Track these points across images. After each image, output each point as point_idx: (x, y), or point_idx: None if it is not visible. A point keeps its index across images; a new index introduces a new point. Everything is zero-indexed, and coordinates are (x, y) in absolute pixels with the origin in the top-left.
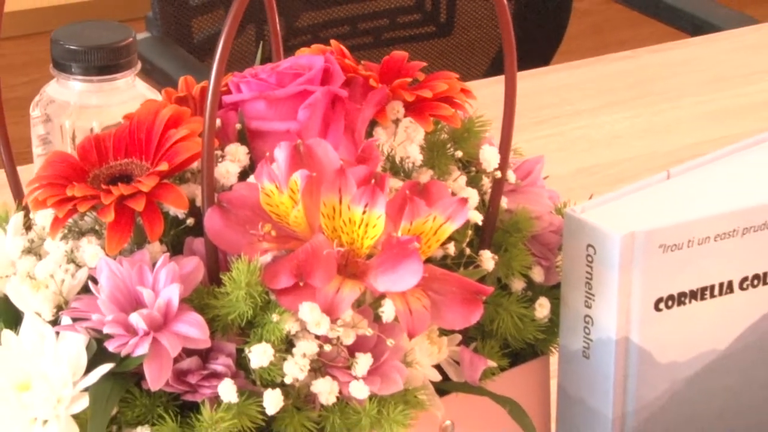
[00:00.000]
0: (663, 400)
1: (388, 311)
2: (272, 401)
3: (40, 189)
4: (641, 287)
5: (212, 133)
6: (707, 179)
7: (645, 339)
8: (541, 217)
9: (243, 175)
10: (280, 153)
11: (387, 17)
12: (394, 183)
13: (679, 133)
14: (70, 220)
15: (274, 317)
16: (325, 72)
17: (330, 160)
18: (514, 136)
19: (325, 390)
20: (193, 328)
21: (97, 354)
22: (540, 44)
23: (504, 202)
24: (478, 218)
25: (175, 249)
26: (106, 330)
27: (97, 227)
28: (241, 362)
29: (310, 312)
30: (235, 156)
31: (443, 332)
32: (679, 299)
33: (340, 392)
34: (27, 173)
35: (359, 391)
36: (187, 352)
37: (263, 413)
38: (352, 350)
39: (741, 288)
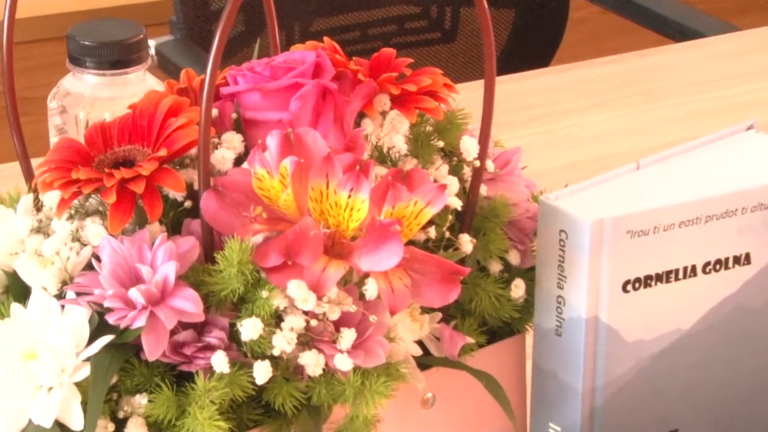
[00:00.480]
0: (630, 376)
1: (371, 289)
2: (261, 372)
3: (48, 172)
4: (610, 270)
5: (208, 122)
6: (674, 171)
7: (613, 319)
8: (518, 204)
9: (238, 161)
10: (272, 141)
11: (395, 23)
12: (381, 170)
13: (660, 131)
14: (77, 201)
15: (264, 293)
16: (317, 66)
17: (318, 148)
18: (506, 133)
19: (312, 362)
20: (189, 303)
21: (99, 326)
22: (538, 51)
23: (483, 190)
24: (457, 204)
25: (175, 230)
26: (106, 304)
27: (101, 208)
28: (233, 335)
29: (297, 289)
30: (231, 143)
31: (425, 310)
32: (646, 282)
33: (326, 364)
34: None
35: (343, 363)
36: (183, 326)
37: (253, 383)
38: (338, 325)
39: (704, 272)
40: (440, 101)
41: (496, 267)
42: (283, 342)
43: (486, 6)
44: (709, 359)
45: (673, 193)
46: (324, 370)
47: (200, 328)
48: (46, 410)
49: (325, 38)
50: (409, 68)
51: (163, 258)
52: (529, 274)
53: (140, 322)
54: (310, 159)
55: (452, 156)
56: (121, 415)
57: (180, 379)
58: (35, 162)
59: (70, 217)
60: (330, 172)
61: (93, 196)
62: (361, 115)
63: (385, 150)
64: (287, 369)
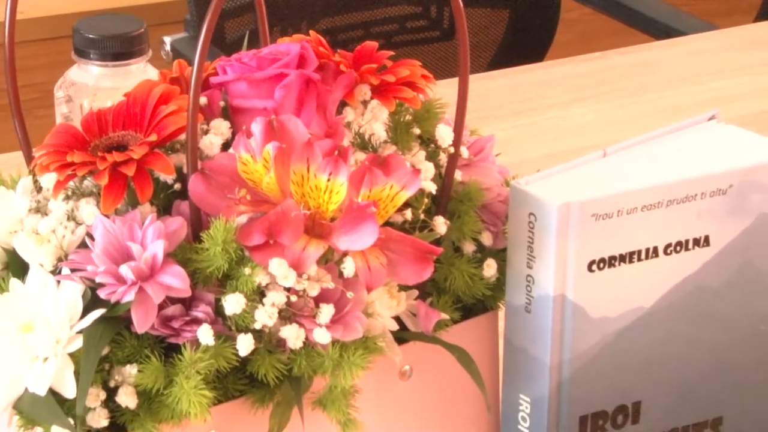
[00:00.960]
0: (595, 351)
1: (348, 267)
2: (244, 344)
3: (45, 156)
4: (576, 251)
5: (196, 109)
6: (638, 158)
7: (579, 297)
8: (491, 189)
9: (226, 147)
10: (256, 127)
11: (397, 23)
12: (361, 156)
13: (637, 124)
14: (72, 183)
15: (247, 271)
16: (301, 57)
17: (300, 134)
18: (494, 124)
19: (292, 336)
20: (176, 279)
21: (91, 300)
22: (531, 49)
23: (458, 175)
24: (432, 188)
25: (166, 210)
26: (98, 279)
27: (95, 190)
28: (219, 310)
29: (279, 267)
30: (219, 129)
31: (402, 288)
32: (610, 262)
33: (306, 338)
34: None
35: (322, 336)
36: (172, 300)
37: (237, 355)
38: (318, 301)
39: (665, 253)
40: (418, 91)
41: (469, 248)
42: (264, 316)
43: (461, 7)
44: (670, 336)
45: (636, 178)
46: (304, 343)
47: (188, 303)
48: (42, 379)
49: (311, 32)
50: (390, 60)
51: (152, 237)
52: (500, 254)
53: (129, 296)
54: (292, 144)
55: (429, 143)
56: (112, 384)
57: (168, 350)
58: None
59: (66, 198)
60: (310, 157)
61: (88, 178)
62: (343, 104)
63: (366, 137)
64: (270, 342)
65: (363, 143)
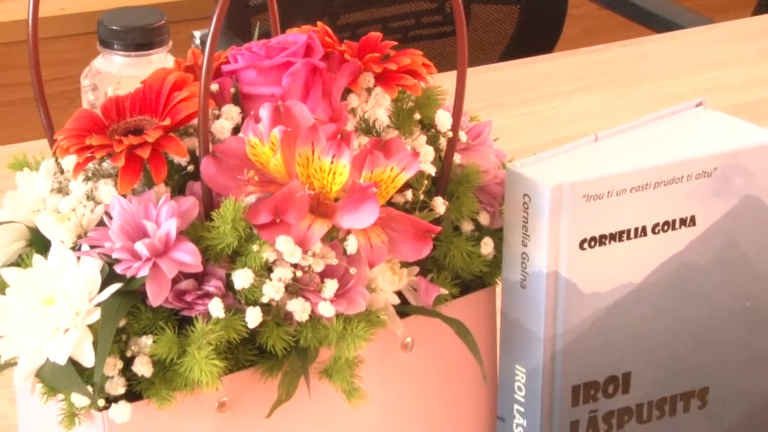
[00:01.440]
0: (587, 324)
1: (351, 245)
2: (253, 317)
3: (65, 139)
4: (568, 230)
5: (207, 95)
6: (628, 142)
7: (572, 273)
8: (488, 171)
9: (236, 131)
10: (264, 112)
11: (413, 18)
12: (365, 140)
13: (636, 113)
14: (92, 165)
15: (255, 247)
16: (307, 47)
17: (305, 119)
18: (500, 113)
19: (299, 309)
20: (188, 255)
21: (109, 275)
22: (540, 44)
23: (457, 158)
24: (431, 170)
25: (180, 191)
26: (115, 255)
27: (113, 171)
28: (229, 285)
29: (285, 244)
30: (230, 115)
31: (404, 264)
32: (601, 240)
33: (312, 311)
34: None
35: (327, 310)
36: (185, 276)
37: (246, 327)
38: (323, 276)
39: (653, 232)
40: (419, 79)
41: (468, 227)
42: (272, 290)
43: (460, 2)
44: (657, 311)
45: (626, 161)
46: (310, 316)
47: (200, 278)
48: (62, 349)
49: (319, 23)
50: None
51: (166, 215)
52: (497, 233)
53: (144, 271)
54: (298, 129)
55: (430, 128)
56: (129, 354)
57: (181, 322)
58: None
59: (86, 179)
60: (315, 140)
61: (106, 160)
62: (347, 91)
63: (370, 122)
64: (277, 315)
65: (367, 128)
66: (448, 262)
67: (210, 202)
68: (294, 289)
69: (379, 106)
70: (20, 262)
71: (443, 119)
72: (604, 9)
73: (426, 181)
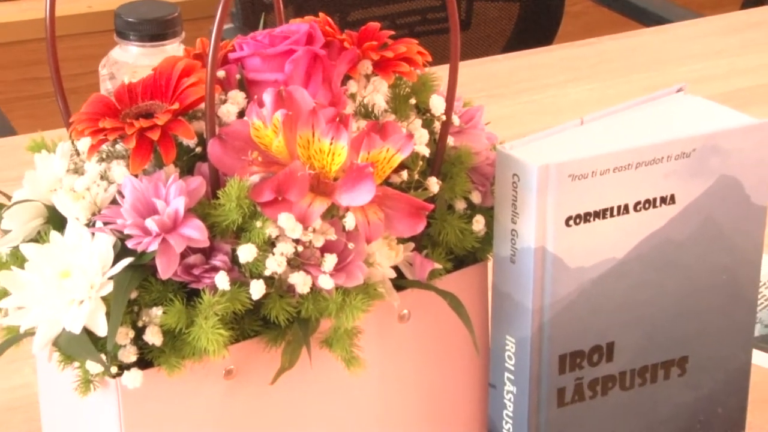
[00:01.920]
0: (573, 296)
1: (349, 221)
2: (257, 289)
3: (80, 122)
4: (555, 207)
5: (213, 80)
6: (611, 125)
7: (558, 248)
8: (480, 153)
9: (241, 115)
10: (267, 97)
11: (419, 14)
12: (363, 124)
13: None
14: (105, 146)
15: (259, 224)
16: (309, 36)
17: (306, 103)
18: (500, 102)
19: (300, 282)
20: (195, 231)
21: (121, 250)
22: (538, 40)
23: (450, 141)
24: (426, 151)
25: (189, 171)
26: (127, 231)
27: (125, 153)
28: (234, 259)
29: (286, 220)
30: (235, 99)
31: (400, 240)
32: (585, 217)
33: (313, 284)
34: None
35: (326, 282)
36: (193, 250)
37: (251, 299)
38: (323, 251)
39: (635, 210)
40: (414, 66)
41: (460, 205)
42: (274, 264)
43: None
44: (639, 283)
45: (609, 143)
46: (311, 288)
47: (207, 253)
48: (77, 319)
49: (321, 13)
50: (391, 39)
51: (175, 194)
52: (488, 211)
53: (154, 246)
54: (299, 112)
55: (425, 112)
56: (140, 324)
57: (190, 295)
58: None
59: (100, 160)
60: (315, 123)
61: (119, 142)
62: (347, 78)
63: (369, 107)
64: (280, 287)
65: (366, 112)
66: (442, 239)
67: (216, 182)
68: (296, 263)
69: (377, 92)
70: (38, 238)
71: (437, 104)
72: (599, 6)
73: (421, 162)
